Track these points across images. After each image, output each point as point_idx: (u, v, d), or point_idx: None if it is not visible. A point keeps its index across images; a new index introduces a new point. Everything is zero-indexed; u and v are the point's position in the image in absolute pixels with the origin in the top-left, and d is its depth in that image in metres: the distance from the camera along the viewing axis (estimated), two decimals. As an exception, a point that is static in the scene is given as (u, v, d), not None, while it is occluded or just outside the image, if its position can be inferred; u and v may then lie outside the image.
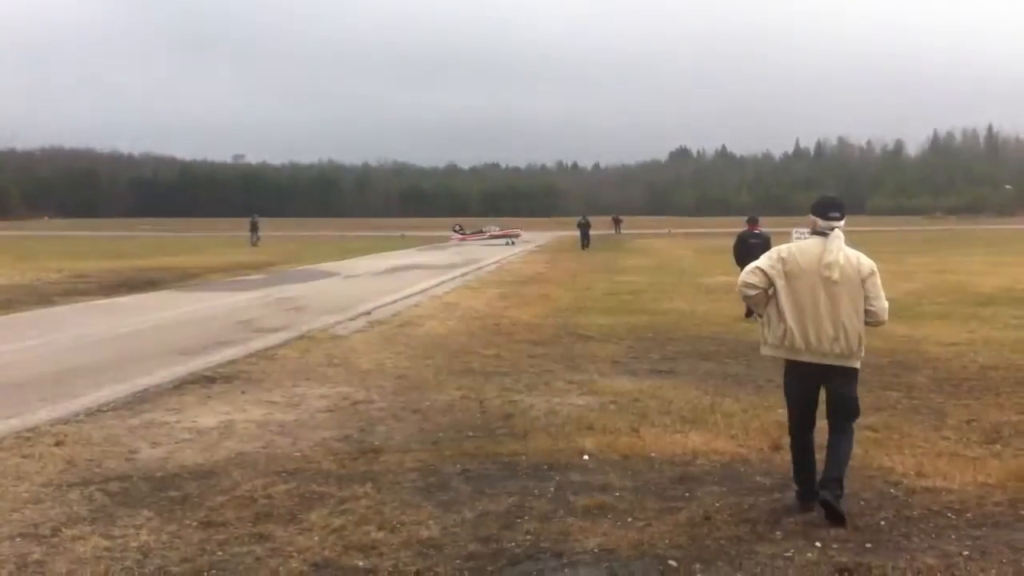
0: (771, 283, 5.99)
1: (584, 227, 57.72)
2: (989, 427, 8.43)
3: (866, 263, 5.97)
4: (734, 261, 18.48)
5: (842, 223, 6.07)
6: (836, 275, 5.84)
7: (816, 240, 6.05)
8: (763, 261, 6.07)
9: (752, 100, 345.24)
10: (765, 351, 6.21)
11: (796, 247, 6.11)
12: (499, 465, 7.28)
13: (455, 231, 69.68)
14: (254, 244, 59.28)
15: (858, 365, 6.03)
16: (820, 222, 6.07)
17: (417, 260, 42.66)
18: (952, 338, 14.24)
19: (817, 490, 5.98)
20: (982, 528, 5.70)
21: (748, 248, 17.99)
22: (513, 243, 62.59)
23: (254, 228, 63.14)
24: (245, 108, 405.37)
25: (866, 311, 5.92)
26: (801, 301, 5.91)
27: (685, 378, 11.17)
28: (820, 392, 6.12)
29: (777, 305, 5.99)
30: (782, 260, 5.99)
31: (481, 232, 68.90)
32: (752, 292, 6.04)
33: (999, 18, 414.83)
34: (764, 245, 17.85)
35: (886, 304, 6.02)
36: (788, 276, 5.95)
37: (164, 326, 17.06)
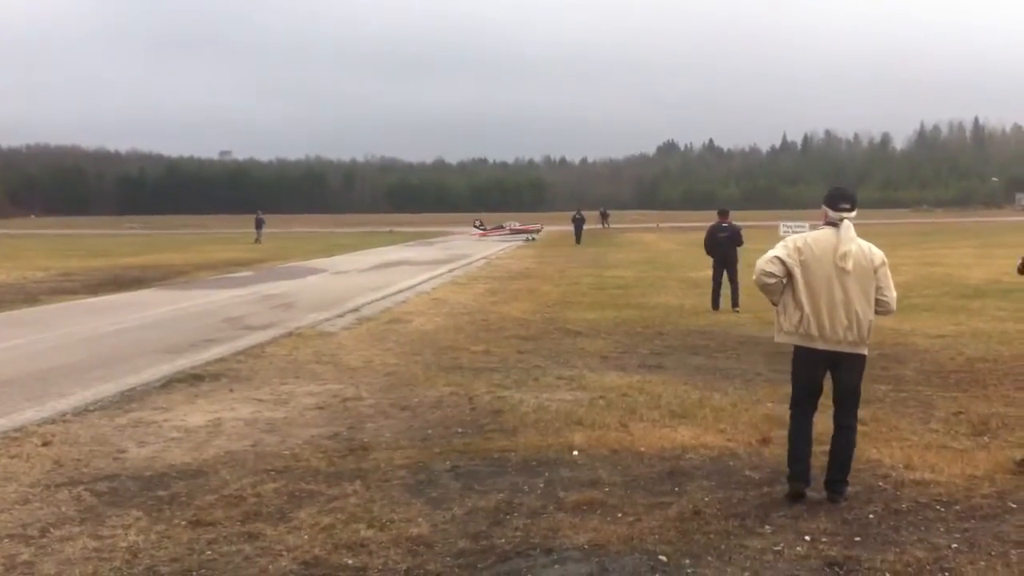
0: (788, 272, 6.10)
1: (578, 221, 57.68)
2: (977, 419, 8.46)
3: (877, 254, 6.15)
4: (706, 253, 19.08)
5: (853, 214, 6.20)
6: (850, 265, 6.00)
7: (829, 231, 6.17)
8: (781, 251, 6.17)
9: (739, 94, 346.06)
10: (779, 338, 6.33)
11: (811, 237, 6.23)
12: (488, 461, 7.27)
13: (476, 226, 69.39)
14: (257, 241, 58.96)
15: (866, 352, 6.20)
16: (831, 213, 6.20)
17: (405, 256, 42.59)
18: (940, 330, 14.31)
19: (811, 483, 6.20)
20: (970, 520, 5.72)
21: (716, 241, 18.34)
22: (534, 238, 62.06)
23: (259, 225, 63.05)
24: (232, 105, 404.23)
25: (877, 300, 6.10)
26: (816, 290, 6.04)
27: (674, 372, 11.18)
28: (826, 379, 6.26)
29: (793, 293, 6.12)
30: (798, 250, 6.12)
31: (501, 228, 68.38)
32: (771, 281, 6.14)
33: (985, 11, 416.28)
34: (732, 237, 18.20)
35: (895, 294, 6.23)
36: (804, 265, 6.08)
37: (151, 324, 17.01)
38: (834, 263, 6.01)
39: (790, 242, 6.22)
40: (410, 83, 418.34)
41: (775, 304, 6.30)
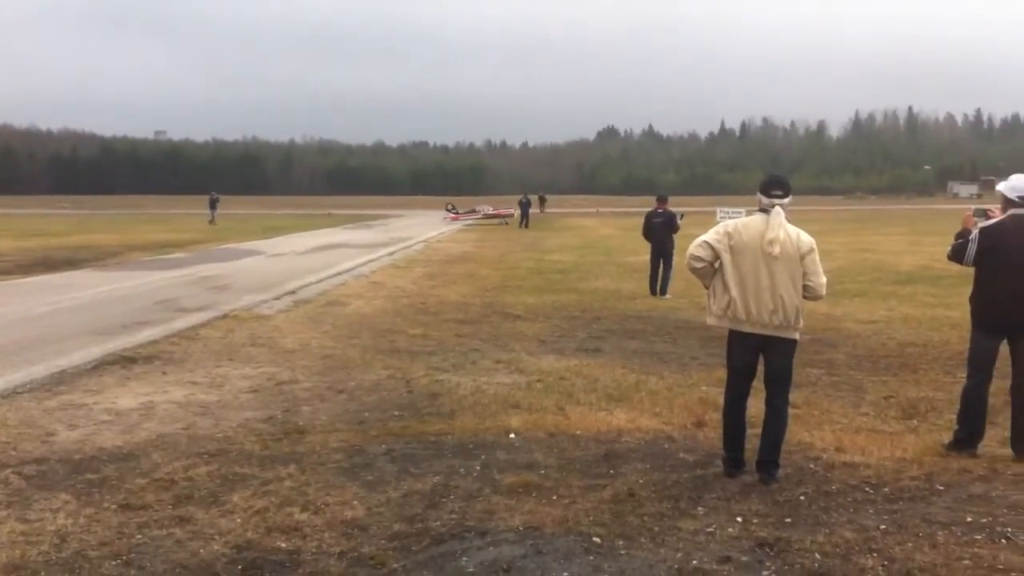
0: (717, 257, 6.19)
1: (525, 205, 58.70)
2: (906, 403, 8.63)
3: (806, 240, 6.20)
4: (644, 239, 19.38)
5: (786, 201, 6.27)
6: (777, 251, 6.07)
7: (759, 217, 6.25)
8: (711, 235, 6.27)
9: (678, 80, 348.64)
10: (710, 320, 6.44)
11: (741, 223, 6.31)
12: (425, 444, 7.25)
13: (448, 210, 68.90)
14: (212, 222, 58.64)
15: (796, 336, 6.28)
16: (764, 199, 6.29)
17: (344, 239, 42.28)
18: (871, 316, 14.57)
19: (744, 465, 6.35)
20: (899, 502, 5.82)
21: (651, 226, 18.67)
22: (507, 222, 61.88)
23: (213, 205, 62.64)
24: (167, 84, 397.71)
25: (804, 286, 6.15)
26: (744, 274, 6.12)
27: (611, 356, 11.24)
28: (759, 362, 6.35)
29: (722, 278, 6.21)
30: (728, 235, 6.21)
31: (474, 211, 67.89)
32: (699, 265, 6.25)
33: (919, 1, 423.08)
34: (667, 222, 18.53)
35: (824, 280, 6.28)
36: (733, 250, 6.16)
37: (83, 306, 16.70)
38: (761, 248, 6.08)
39: (721, 227, 6.32)
40: (349, 64, 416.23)
41: (707, 288, 6.38)
